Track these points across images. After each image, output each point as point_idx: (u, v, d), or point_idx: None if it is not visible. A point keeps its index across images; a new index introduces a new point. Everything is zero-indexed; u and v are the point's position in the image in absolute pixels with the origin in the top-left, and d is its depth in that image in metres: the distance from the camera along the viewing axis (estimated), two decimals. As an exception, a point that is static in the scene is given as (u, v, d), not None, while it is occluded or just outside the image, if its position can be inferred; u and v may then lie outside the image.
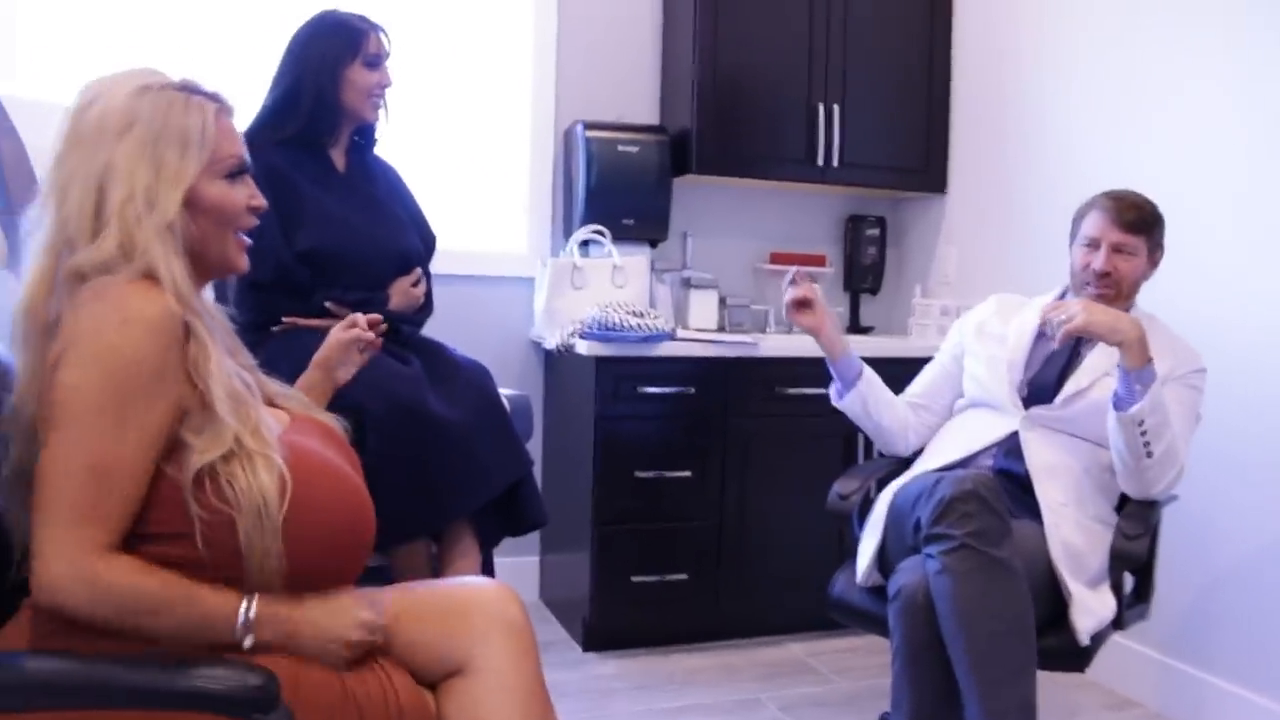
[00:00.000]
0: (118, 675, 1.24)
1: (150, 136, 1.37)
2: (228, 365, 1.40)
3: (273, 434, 1.38)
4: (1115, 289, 2.38)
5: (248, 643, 1.30)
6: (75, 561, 1.24)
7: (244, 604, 1.31)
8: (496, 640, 1.47)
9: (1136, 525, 2.25)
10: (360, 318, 1.92)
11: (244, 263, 1.53)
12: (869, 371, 2.59)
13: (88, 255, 1.34)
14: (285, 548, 1.33)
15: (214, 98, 1.46)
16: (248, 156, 1.50)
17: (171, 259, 1.35)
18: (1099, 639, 2.23)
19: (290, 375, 1.80)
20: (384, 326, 1.95)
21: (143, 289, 1.32)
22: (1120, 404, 2.20)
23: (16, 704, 1.23)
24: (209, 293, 1.57)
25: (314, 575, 1.39)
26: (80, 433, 1.26)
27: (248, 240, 1.53)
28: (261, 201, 1.52)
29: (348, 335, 1.89)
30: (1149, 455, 2.20)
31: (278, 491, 1.32)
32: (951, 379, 2.65)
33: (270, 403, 1.60)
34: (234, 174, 1.47)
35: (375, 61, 2.52)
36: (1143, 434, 2.18)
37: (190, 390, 1.33)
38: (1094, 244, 2.41)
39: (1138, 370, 2.17)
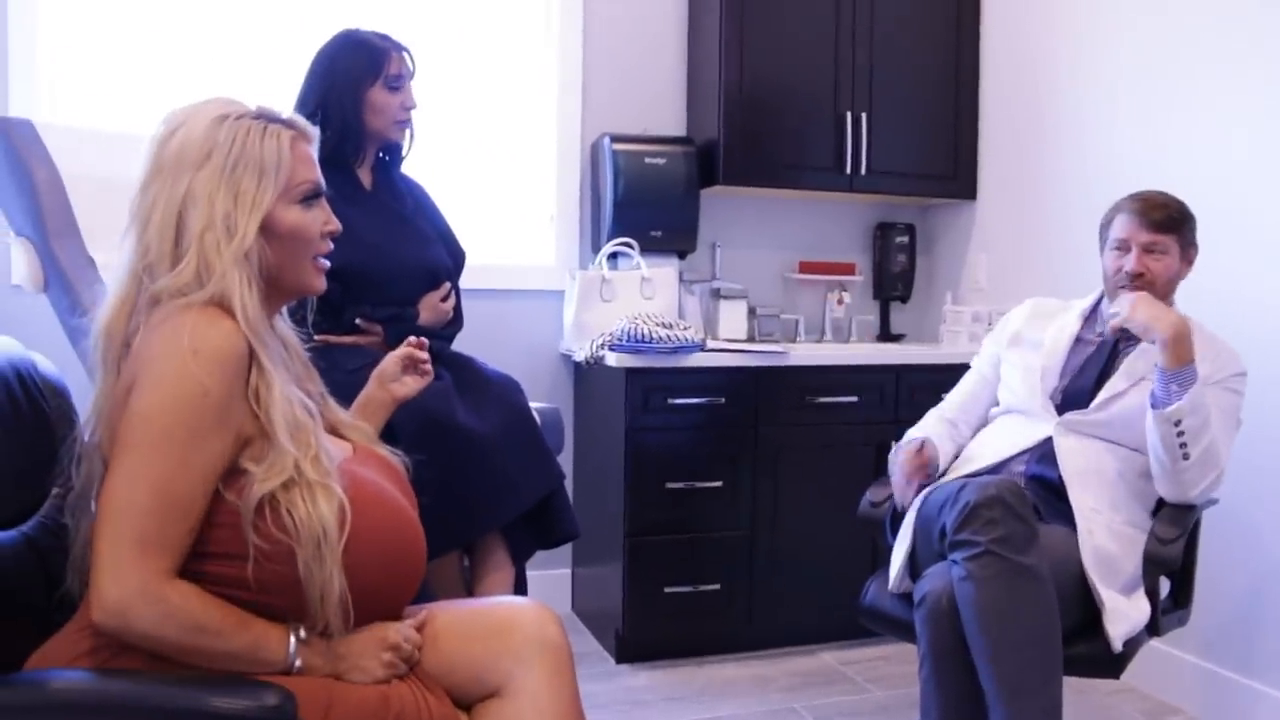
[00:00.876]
0: (139, 694, 1.26)
1: (228, 165, 1.41)
2: (291, 393, 1.42)
3: (333, 462, 1.40)
4: (1149, 290, 2.36)
5: (297, 664, 1.34)
6: (145, 584, 1.27)
7: (292, 633, 1.35)
8: (534, 662, 1.47)
9: (1171, 529, 2.23)
10: (414, 340, 1.94)
11: (321, 283, 1.56)
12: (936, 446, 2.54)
13: (167, 281, 1.37)
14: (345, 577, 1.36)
15: (290, 124, 1.50)
16: (323, 181, 1.54)
17: (246, 286, 1.38)
18: (1133, 645, 2.21)
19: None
20: (427, 356, 1.95)
21: (212, 317, 1.34)
22: (1157, 404, 2.20)
23: None
24: (284, 321, 1.60)
25: (369, 604, 1.41)
26: (148, 459, 1.29)
27: (326, 263, 1.56)
28: (336, 225, 1.56)
29: (400, 351, 1.91)
30: (1185, 457, 2.19)
31: (337, 522, 1.34)
32: (989, 389, 2.64)
33: (335, 431, 1.63)
34: (309, 198, 1.50)
35: (397, 83, 2.54)
36: (1179, 434, 2.17)
37: (252, 418, 1.35)
38: (1124, 246, 2.41)
39: (1175, 370, 2.17)
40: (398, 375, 1.91)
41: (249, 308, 1.38)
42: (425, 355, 1.93)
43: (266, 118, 1.48)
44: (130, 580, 1.26)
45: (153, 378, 1.30)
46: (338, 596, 1.34)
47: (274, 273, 1.46)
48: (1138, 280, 2.37)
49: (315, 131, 1.56)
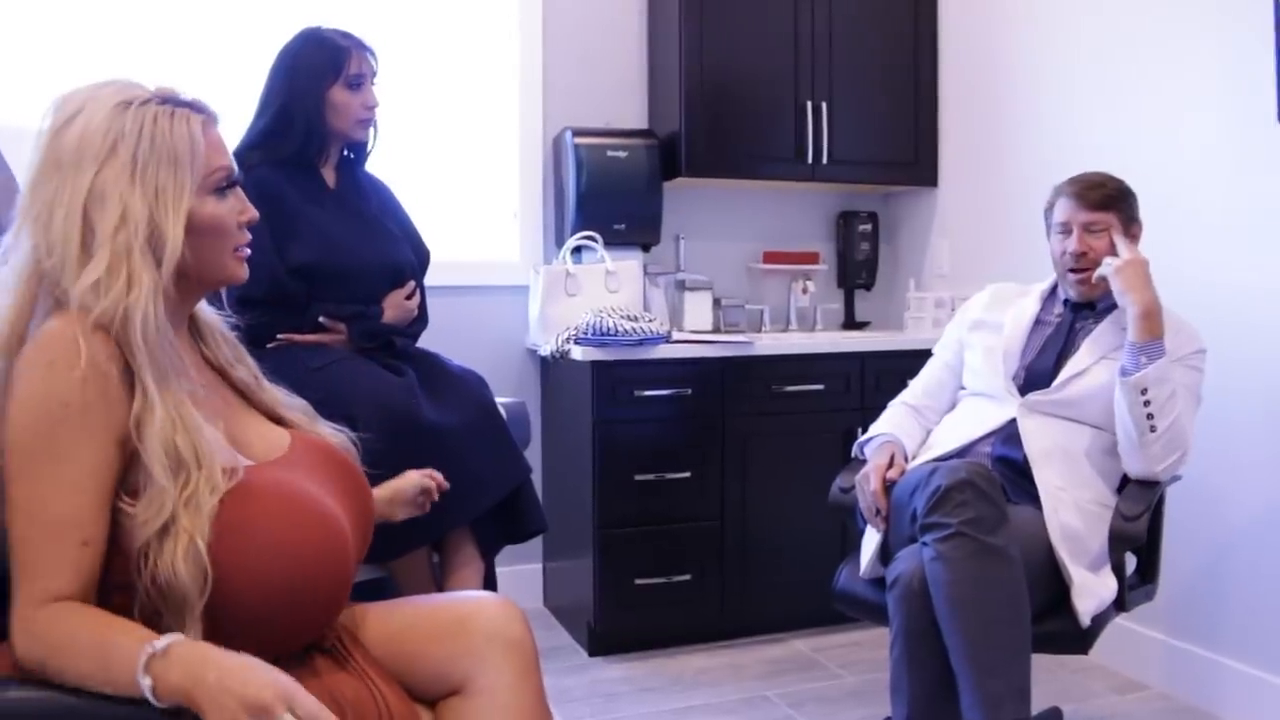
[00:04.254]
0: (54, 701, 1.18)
1: (138, 158, 1.30)
2: (183, 413, 1.28)
3: (210, 501, 1.25)
4: (1095, 268, 2.41)
5: (145, 683, 1.14)
6: (18, 616, 1.20)
7: (156, 641, 1.17)
8: (497, 659, 1.44)
9: (1135, 505, 2.27)
10: (438, 476, 1.86)
11: (243, 272, 1.46)
12: (909, 446, 2.56)
13: (75, 285, 1.27)
14: (216, 620, 1.23)
15: (197, 107, 1.39)
16: (236, 167, 1.44)
17: (153, 296, 1.28)
18: (1101, 621, 2.24)
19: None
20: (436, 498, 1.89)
21: (73, 331, 1.24)
22: (1125, 373, 2.25)
23: None
24: (205, 306, 1.52)
25: (275, 625, 1.31)
26: (17, 484, 1.22)
27: (246, 251, 1.46)
28: (253, 214, 1.46)
29: (424, 483, 1.82)
30: (1152, 430, 2.23)
31: (196, 587, 1.21)
32: (954, 374, 2.66)
33: (273, 414, 1.55)
34: (223, 188, 1.40)
35: (358, 82, 2.52)
36: (1146, 404, 2.22)
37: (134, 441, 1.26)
38: (1066, 229, 2.46)
39: (1144, 343, 2.24)
40: (413, 500, 1.82)
41: (149, 322, 1.27)
42: (436, 497, 1.85)
43: (172, 101, 1.36)
44: (13, 614, 1.20)
45: (15, 400, 1.23)
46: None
47: (190, 270, 1.36)
48: (1082, 260, 2.42)
49: (219, 114, 1.44)
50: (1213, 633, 2.91)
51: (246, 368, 1.56)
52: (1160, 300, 2.29)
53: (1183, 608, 2.97)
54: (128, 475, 1.26)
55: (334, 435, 1.60)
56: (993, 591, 2.04)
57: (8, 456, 1.23)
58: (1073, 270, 2.44)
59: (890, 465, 2.42)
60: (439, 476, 1.86)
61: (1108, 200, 2.42)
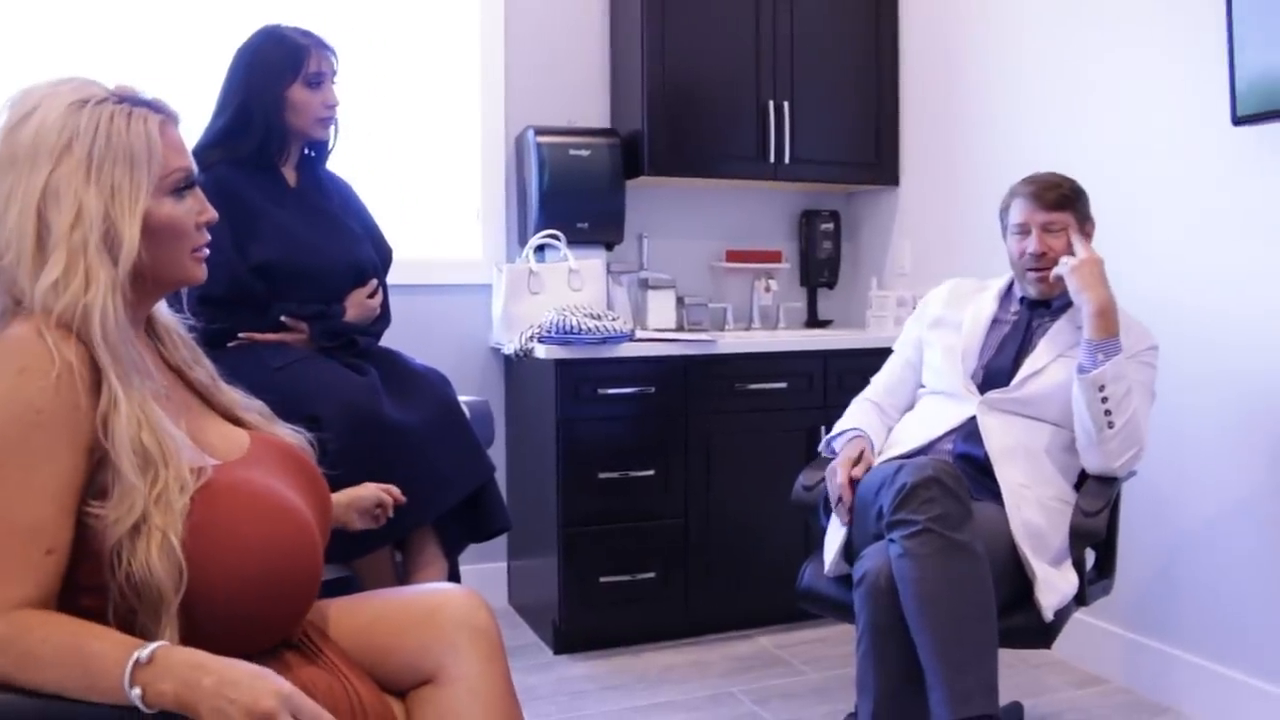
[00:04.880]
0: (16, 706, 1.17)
1: (94, 157, 1.29)
2: (148, 411, 1.28)
3: (181, 500, 1.25)
4: (1053, 266, 2.44)
5: (135, 694, 1.13)
6: None
7: (140, 649, 1.15)
8: (465, 648, 1.45)
9: (1095, 501, 2.30)
10: (395, 491, 1.87)
11: (201, 273, 1.45)
12: (876, 442, 2.57)
13: (30, 285, 1.26)
14: (191, 619, 1.23)
15: (156, 107, 1.38)
16: (195, 168, 1.43)
17: (110, 292, 1.27)
18: (1063, 615, 2.27)
19: (246, 391, 1.77)
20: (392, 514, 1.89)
21: (43, 334, 1.23)
22: (1083, 370, 2.29)
23: None
24: (163, 306, 1.51)
25: (248, 622, 1.32)
26: None
27: (205, 252, 1.45)
28: (212, 215, 1.44)
29: (380, 497, 1.83)
30: (1110, 425, 2.27)
31: (172, 584, 1.21)
32: (914, 371, 2.68)
33: (231, 415, 1.54)
34: (181, 189, 1.39)
35: (317, 80, 2.51)
36: (1104, 399, 2.26)
37: (101, 443, 1.24)
38: (1024, 229, 2.49)
39: (1100, 341, 2.29)
40: (369, 510, 1.82)
41: (109, 320, 1.26)
42: (391, 513, 1.86)
43: (130, 100, 1.35)
44: None
45: None
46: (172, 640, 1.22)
47: (150, 270, 1.35)
48: (1042, 260, 2.45)
49: (179, 114, 1.43)
50: (1170, 627, 2.94)
51: (204, 369, 1.55)
52: (1115, 301, 2.33)
53: (1140, 602, 3.01)
54: (94, 480, 1.25)
55: (292, 436, 1.59)
56: (960, 588, 2.06)
57: None
58: (1032, 269, 2.47)
59: (859, 460, 2.43)
60: (395, 491, 1.86)
61: (1064, 200, 2.45)
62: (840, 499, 2.38)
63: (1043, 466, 2.38)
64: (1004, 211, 2.57)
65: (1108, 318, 2.30)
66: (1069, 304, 2.42)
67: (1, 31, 3.23)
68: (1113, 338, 2.29)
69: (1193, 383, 2.82)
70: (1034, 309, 2.53)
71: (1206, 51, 2.75)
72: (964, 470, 2.35)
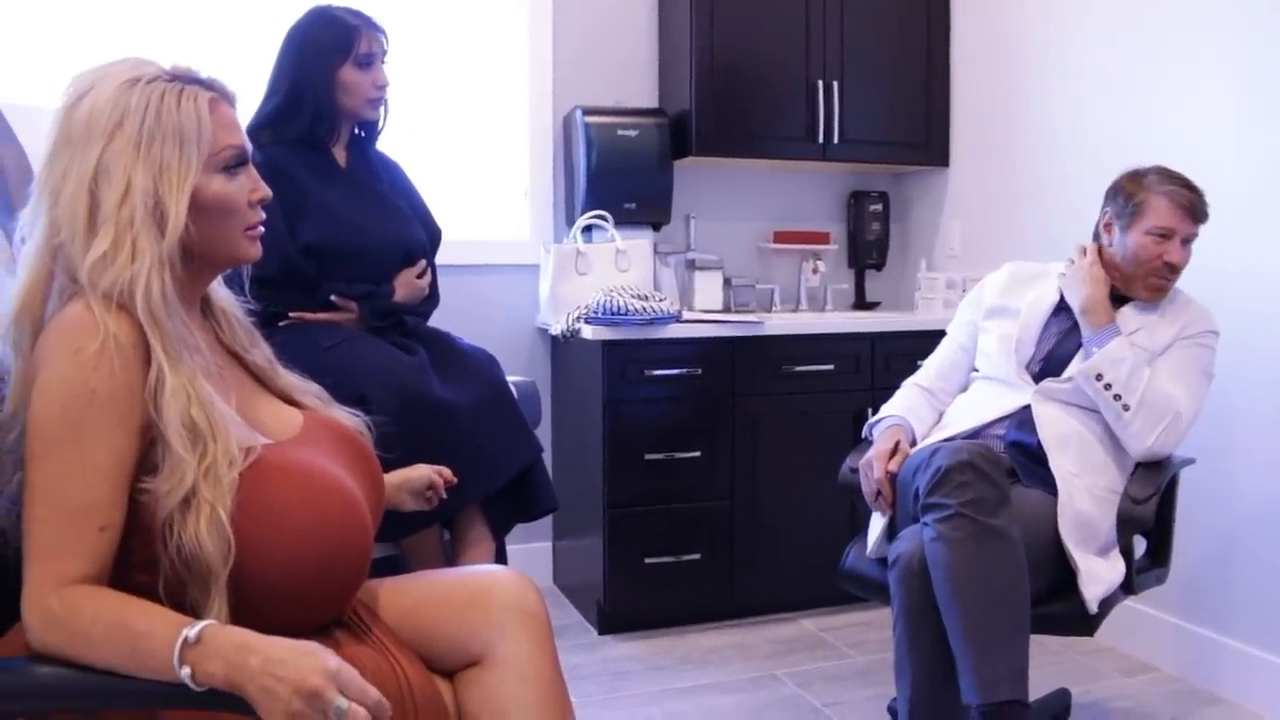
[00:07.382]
0: (91, 679, 1.19)
1: (143, 134, 1.30)
2: (198, 387, 1.29)
3: (230, 475, 1.27)
4: (1177, 277, 2.43)
5: (184, 673, 1.14)
6: (33, 597, 1.20)
7: (187, 629, 1.16)
8: (514, 630, 1.46)
9: (1144, 489, 2.28)
10: (447, 472, 1.87)
11: (255, 251, 1.44)
12: (919, 429, 2.56)
13: (82, 260, 1.28)
14: (241, 596, 1.25)
15: (209, 85, 1.38)
16: (249, 145, 1.43)
17: (157, 269, 1.29)
18: (1109, 604, 2.24)
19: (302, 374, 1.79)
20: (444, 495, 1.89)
21: (102, 310, 1.25)
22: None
23: (20, 707, 1.22)
24: (221, 288, 1.52)
25: (297, 602, 1.33)
26: (41, 468, 1.22)
27: (260, 230, 1.45)
28: (265, 192, 1.45)
29: (432, 478, 1.83)
30: (1125, 408, 2.28)
31: (220, 557, 1.23)
32: (967, 357, 2.65)
33: (287, 397, 1.56)
34: (233, 166, 1.39)
35: (368, 61, 2.51)
36: (1107, 386, 2.28)
37: (154, 420, 1.26)
38: (1168, 234, 2.38)
39: (1092, 335, 2.36)
40: (421, 492, 1.83)
41: (153, 294, 1.28)
42: (444, 494, 1.86)
43: (182, 79, 1.35)
44: (27, 596, 1.20)
45: (40, 383, 1.23)
46: (221, 618, 1.23)
47: (201, 248, 1.37)
48: (1174, 271, 2.40)
49: (235, 92, 1.43)
50: (1222, 616, 2.91)
51: (261, 352, 1.56)
52: (1099, 294, 2.39)
53: (1193, 591, 2.97)
54: (146, 458, 1.27)
55: (348, 418, 1.60)
56: (992, 573, 2.05)
57: (31, 440, 1.23)
58: (1159, 277, 2.41)
59: (895, 452, 2.41)
60: (447, 472, 1.86)
61: (1206, 215, 2.41)
62: (879, 493, 2.37)
63: (1095, 456, 2.35)
64: (1128, 200, 2.42)
65: (1094, 313, 2.38)
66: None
67: (65, 19, 3.27)
68: (1104, 327, 2.35)
69: (1252, 373, 2.77)
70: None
71: (1266, 33, 2.69)
72: (1015, 458, 2.34)
